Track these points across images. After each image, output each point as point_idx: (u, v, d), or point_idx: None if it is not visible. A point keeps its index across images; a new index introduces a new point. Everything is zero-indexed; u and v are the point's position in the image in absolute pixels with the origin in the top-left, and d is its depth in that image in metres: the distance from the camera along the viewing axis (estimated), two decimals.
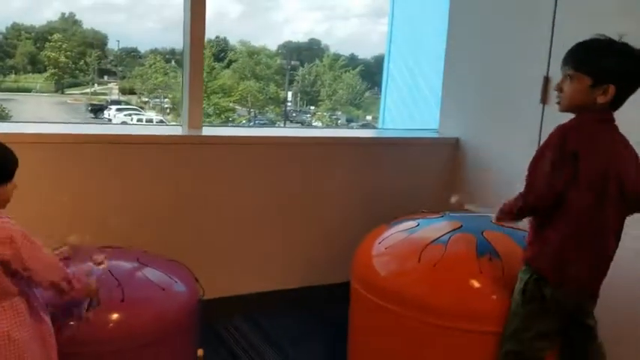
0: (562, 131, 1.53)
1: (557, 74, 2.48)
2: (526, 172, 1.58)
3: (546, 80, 2.57)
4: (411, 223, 2.07)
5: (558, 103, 1.62)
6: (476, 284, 1.76)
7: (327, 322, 2.66)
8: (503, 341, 1.66)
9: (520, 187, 1.61)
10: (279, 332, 2.54)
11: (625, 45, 1.53)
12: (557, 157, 1.50)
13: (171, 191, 2.46)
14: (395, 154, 3.00)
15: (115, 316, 1.66)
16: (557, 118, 2.49)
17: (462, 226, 1.97)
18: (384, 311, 1.86)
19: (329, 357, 2.34)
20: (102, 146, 2.36)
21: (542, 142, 1.59)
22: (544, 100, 2.59)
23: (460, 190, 3.03)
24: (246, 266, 2.66)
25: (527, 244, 1.66)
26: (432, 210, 2.22)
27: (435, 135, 3.22)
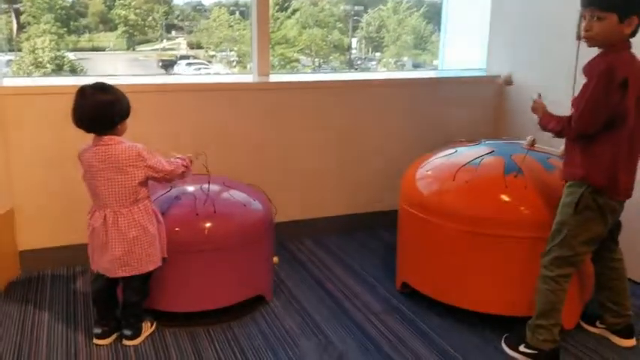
0: (609, 63, 1.75)
1: None
2: (573, 103, 1.84)
3: (582, 17, 2.76)
4: (450, 150, 2.40)
5: (588, 40, 1.82)
6: (502, 197, 2.09)
7: (380, 240, 3.07)
8: (553, 248, 1.92)
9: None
10: (340, 249, 2.96)
11: None
12: (608, 87, 1.73)
13: (247, 130, 2.88)
14: (447, 91, 3.29)
15: (209, 224, 2.12)
16: (590, 52, 2.72)
17: (493, 151, 2.28)
18: (425, 223, 2.23)
19: (382, 265, 2.75)
20: (188, 93, 2.80)
21: (586, 75, 1.80)
22: (579, 36, 2.79)
23: (506, 123, 3.30)
24: (312, 195, 3.09)
25: (573, 165, 1.88)
26: (472, 139, 2.53)
27: (484, 73, 3.46)
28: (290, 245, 2.99)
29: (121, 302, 2.07)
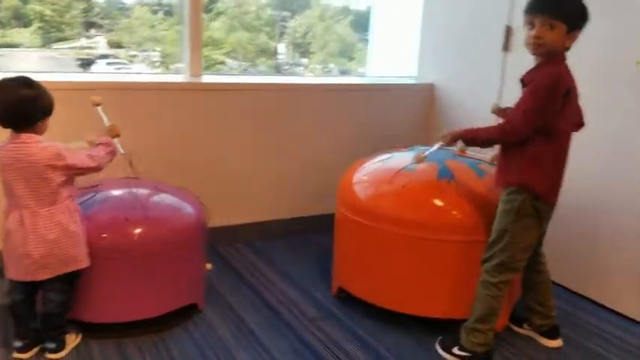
0: (556, 73, 1.81)
1: (518, 24, 2.82)
2: (514, 109, 1.88)
3: (508, 30, 2.89)
4: (386, 155, 2.42)
5: (536, 48, 1.84)
6: (436, 202, 2.13)
7: (316, 245, 3.05)
8: (495, 254, 1.95)
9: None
10: (275, 254, 2.92)
11: None
12: (554, 94, 1.79)
13: (178, 132, 2.78)
14: (377, 98, 3.32)
15: (139, 229, 2.01)
16: (517, 64, 2.84)
17: (427, 156, 2.32)
18: (362, 227, 2.23)
19: (317, 270, 2.73)
20: (112, 92, 2.64)
21: (529, 82, 1.84)
22: (506, 47, 2.91)
23: (436, 128, 3.38)
24: (243, 199, 3.03)
25: (511, 171, 1.93)
26: (405, 145, 2.57)
27: (414, 81, 3.54)
28: (223, 251, 2.91)
29: (40, 313, 1.93)
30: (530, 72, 1.91)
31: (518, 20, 2.81)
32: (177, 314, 2.18)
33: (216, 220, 2.68)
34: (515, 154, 1.94)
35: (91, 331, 2.04)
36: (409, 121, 3.43)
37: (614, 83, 2.39)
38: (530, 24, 1.85)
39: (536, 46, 1.83)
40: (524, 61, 2.82)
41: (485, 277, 1.98)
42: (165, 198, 2.20)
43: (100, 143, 1.98)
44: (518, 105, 1.87)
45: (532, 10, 1.84)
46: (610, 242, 2.47)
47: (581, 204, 2.53)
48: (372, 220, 2.20)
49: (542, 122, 1.82)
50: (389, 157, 2.40)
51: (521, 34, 2.78)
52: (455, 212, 2.11)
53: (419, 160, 2.15)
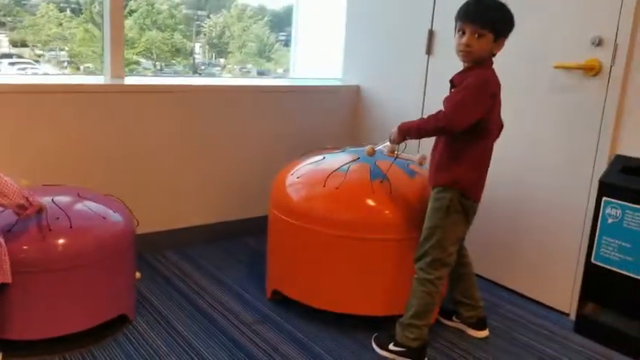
0: (484, 76, 1.90)
1: (440, 29, 2.94)
2: (446, 102, 1.93)
3: (431, 33, 2.99)
4: (318, 157, 2.44)
5: (465, 55, 1.92)
6: (370, 202, 2.17)
7: (248, 248, 3.02)
8: (427, 251, 2.01)
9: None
10: (206, 259, 2.86)
11: (504, 3, 1.92)
12: (482, 94, 1.88)
13: (101, 136, 2.66)
14: (303, 100, 3.33)
15: (63, 240, 1.90)
16: (439, 67, 2.95)
17: (359, 158, 2.36)
18: (296, 229, 2.23)
19: (251, 274, 2.70)
20: (26, 96, 2.48)
21: (458, 83, 1.92)
22: (429, 50, 3.01)
23: (362, 129, 3.44)
24: (175, 204, 2.94)
25: (443, 170, 2.00)
26: (336, 146, 2.59)
27: (339, 83, 3.58)
28: (152, 259, 2.82)
29: None
30: (460, 74, 1.99)
31: (441, 24, 2.95)
32: (107, 326, 2.08)
33: (144, 227, 2.59)
34: (445, 155, 2.02)
35: (14, 349, 1.91)
36: (336, 122, 3.47)
37: (532, 86, 2.54)
38: (461, 31, 1.93)
39: (466, 53, 1.92)
40: (447, 64, 2.93)
41: (421, 275, 2.04)
42: (90, 206, 2.09)
43: (23, 203, 1.83)
44: (450, 98, 1.94)
45: (462, 19, 1.92)
46: (527, 234, 2.62)
47: (501, 198, 2.67)
48: (306, 222, 2.21)
49: (473, 117, 1.88)
50: (321, 159, 2.41)
51: (443, 37, 2.94)
52: (388, 211, 2.16)
53: (369, 152, 2.30)
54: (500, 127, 2.07)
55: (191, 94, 2.93)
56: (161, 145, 2.85)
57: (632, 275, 2.17)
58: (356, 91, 3.49)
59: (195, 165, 2.98)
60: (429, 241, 2.03)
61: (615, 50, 2.25)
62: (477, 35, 1.89)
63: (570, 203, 2.45)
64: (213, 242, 3.06)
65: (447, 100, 1.96)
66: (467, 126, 1.89)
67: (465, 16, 1.92)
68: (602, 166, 2.33)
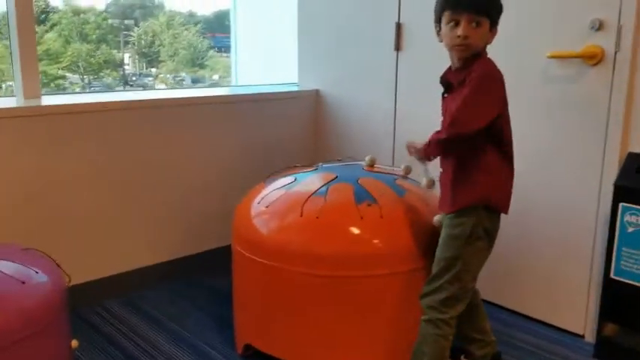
0: (489, 68, 1.60)
1: (409, 21, 2.60)
2: (459, 105, 1.58)
3: (398, 27, 2.65)
4: (288, 179, 2.04)
5: (464, 48, 1.60)
6: (359, 231, 1.79)
7: (209, 291, 2.58)
8: (442, 286, 1.66)
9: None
10: (157, 307, 2.40)
11: None
12: (493, 86, 1.58)
13: (10, 173, 2.16)
14: (256, 110, 2.92)
15: None
16: (412, 64, 2.62)
17: (337, 176, 1.98)
18: (270, 270, 1.83)
19: (215, 324, 2.26)
20: None
21: (477, 82, 1.56)
22: (398, 46, 2.67)
23: (324, 138, 3.07)
24: (110, 246, 2.46)
25: (461, 188, 1.65)
26: (305, 164, 2.20)
27: (296, 88, 3.19)
28: (91, 313, 2.33)
29: None
30: (457, 72, 1.66)
31: (409, 16, 2.61)
32: None
33: (78, 277, 2.11)
34: (460, 169, 1.66)
35: None
36: (296, 132, 3.08)
37: (525, 77, 2.22)
38: (453, 22, 1.60)
39: (464, 47, 1.60)
40: (420, 60, 2.61)
41: (433, 315, 1.68)
42: (4, 267, 1.61)
43: None
44: (463, 101, 1.57)
45: (454, 7, 1.60)
46: (531, 248, 2.31)
47: None
48: (281, 261, 1.81)
49: (490, 113, 1.56)
50: (292, 182, 2.01)
51: (413, 30, 2.61)
52: (382, 241, 1.79)
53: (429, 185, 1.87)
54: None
55: (122, 112, 2.46)
56: (90, 176, 2.37)
57: None
58: (315, 95, 3.11)
59: (134, 196, 2.52)
60: (446, 275, 1.68)
61: (619, 34, 1.97)
62: (474, 24, 1.58)
63: (578, 211, 2.16)
64: (164, 285, 2.60)
65: (460, 103, 1.58)
66: (485, 124, 1.56)
67: (456, 4, 1.60)
68: (612, 167, 2.04)
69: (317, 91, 3.10)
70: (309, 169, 2.12)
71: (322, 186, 1.92)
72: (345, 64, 2.95)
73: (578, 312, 2.21)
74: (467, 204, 1.65)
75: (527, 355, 2.10)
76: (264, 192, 2.01)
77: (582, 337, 2.21)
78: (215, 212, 2.72)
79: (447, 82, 1.70)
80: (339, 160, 2.27)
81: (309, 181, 1.99)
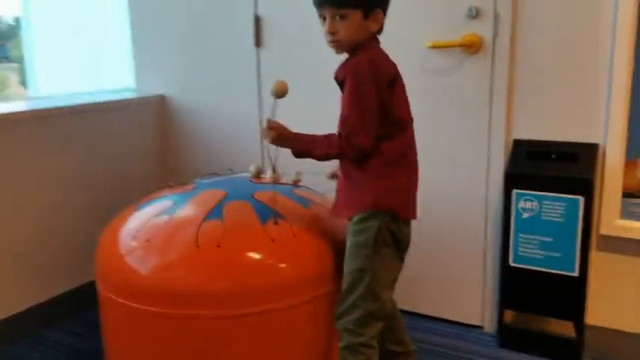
0: (366, 63, 1.41)
1: (269, 14, 2.36)
2: (341, 118, 1.44)
3: (257, 20, 2.39)
4: (165, 203, 1.66)
5: (335, 46, 1.47)
6: (272, 255, 1.50)
7: (65, 348, 2.05)
8: (355, 304, 1.46)
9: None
10: None
11: None
12: (376, 90, 1.40)
13: None
14: (87, 124, 2.42)
15: None
16: (276, 62, 2.38)
17: (227, 194, 1.67)
18: (153, 318, 1.47)
19: None
20: None
21: (350, 82, 1.41)
22: (258, 42, 2.41)
23: (175, 150, 2.70)
24: None
25: (358, 191, 1.48)
26: (180, 183, 1.84)
27: (132, 95, 2.74)
28: None
29: None
30: (342, 66, 1.49)
31: (269, 8, 2.37)
32: None
33: None
34: (356, 168, 1.49)
35: None
36: (137, 146, 2.64)
37: (406, 69, 2.12)
38: (322, 18, 1.47)
39: (335, 43, 1.47)
40: (285, 57, 2.40)
41: (350, 339, 1.47)
42: None
43: None
44: (343, 113, 1.44)
45: (317, 3, 1.47)
46: (421, 244, 2.23)
47: None
48: (170, 306, 1.46)
49: (373, 119, 1.41)
50: (172, 205, 1.64)
51: (275, 24, 2.37)
52: (300, 263, 1.53)
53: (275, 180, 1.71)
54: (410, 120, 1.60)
55: None
56: None
57: (560, 272, 1.92)
58: (160, 102, 2.70)
59: None
60: (356, 290, 1.48)
61: (496, 21, 1.96)
62: (338, 18, 1.43)
63: (466, 204, 2.12)
64: (17, 341, 2.01)
65: (341, 116, 1.46)
66: (371, 137, 1.42)
67: (319, 1, 1.46)
68: (498, 155, 2.04)
69: (162, 97, 2.70)
70: (186, 189, 1.76)
71: (214, 207, 1.59)
72: (195, 64, 2.60)
73: (475, 304, 2.18)
74: (367, 207, 1.48)
75: (440, 357, 2.01)
76: (137, 223, 1.61)
77: (481, 327, 2.19)
78: (59, 249, 2.21)
79: (337, 78, 1.51)
80: (216, 174, 1.95)
81: (195, 202, 1.64)
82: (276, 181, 1.73)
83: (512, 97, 1.99)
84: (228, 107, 2.53)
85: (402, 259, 1.56)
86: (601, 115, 1.87)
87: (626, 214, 1.88)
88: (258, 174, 1.86)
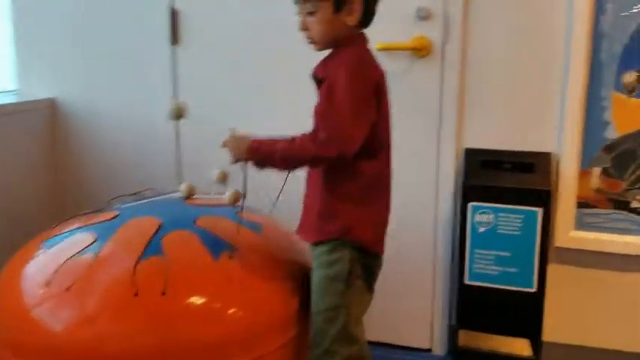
0: (355, 58, 1.23)
1: (188, 7, 2.06)
2: (316, 118, 1.22)
3: (174, 15, 2.08)
4: (84, 237, 1.32)
5: (312, 44, 1.30)
6: (232, 299, 1.23)
7: None
8: (330, 350, 1.24)
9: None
10: None
11: None
12: (362, 90, 1.21)
13: None
14: None
15: None
16: (195, 62, 2.09)
17: (163, 222, 1.36)
18: None
19: None
20: None
21: (326, 76, 1.22)
22: (175, 40, 2.10)
23: (67, 161, 2.30)
24: None
25: (326, 214, 1.27)
26: (99, 209, 1.49)
27: (13, 99, 2.28)
28: None
29: None
30: (322, 63, 1.30)
31: (188, 1, 2.06)
32: None
33: None
34: (325, 187, 1.28)
35: None
36: (25, 158, 2.20)
37: None
38: (298, 15, 1.30)
39: (310, 40, 1.30)
40: (206, 56, 2.13)
41: None
42: None
43: None
44: (318, 107, 1.24)
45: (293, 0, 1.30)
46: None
47: None
48: None
49: (365, 123, 1.22)
50: (93, 241, 1.31)
51: (194, 19, 2.07)
52: (265, 305, 1.27)
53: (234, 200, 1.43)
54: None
55: None
56: None
57: (517, 289, 1.83)
58: (49, 106, 2.27)
59: None
60: (330, 331, 1.26)
61: (446, 23, 1.83)
62: (307, 13, 1.27)
63: (413, 216, 1.97)
64: None
65: (316, 116, 1.24)
66: (361, 139, 1.21)
67: None
68: (449, 165, 1.91)
69: (52, 102, 2.27)
70: (110, 216, 1.42)
71: (149, 241, 1.28)
72: (96, 62, 2.21)
73: (423, 326, 2.04)
74: (335, 235, 1.28)
75: None
76: (47, 262, 1.26)
77: (429, 350, 2.05)
78: None
79: (316, 76, 1.30)
80: (135, 195, 1.62)
81: (123, 235, 1.32)
82: (237, 201, 1.43)
83: (464, 104, 1.88)
84: (138, 113, 2.18)
85: (372, 290, 1.37)
86: (555, 124, 1.81)
87: (580, 225, 1.84)
88: (190, 194, 1.57)
